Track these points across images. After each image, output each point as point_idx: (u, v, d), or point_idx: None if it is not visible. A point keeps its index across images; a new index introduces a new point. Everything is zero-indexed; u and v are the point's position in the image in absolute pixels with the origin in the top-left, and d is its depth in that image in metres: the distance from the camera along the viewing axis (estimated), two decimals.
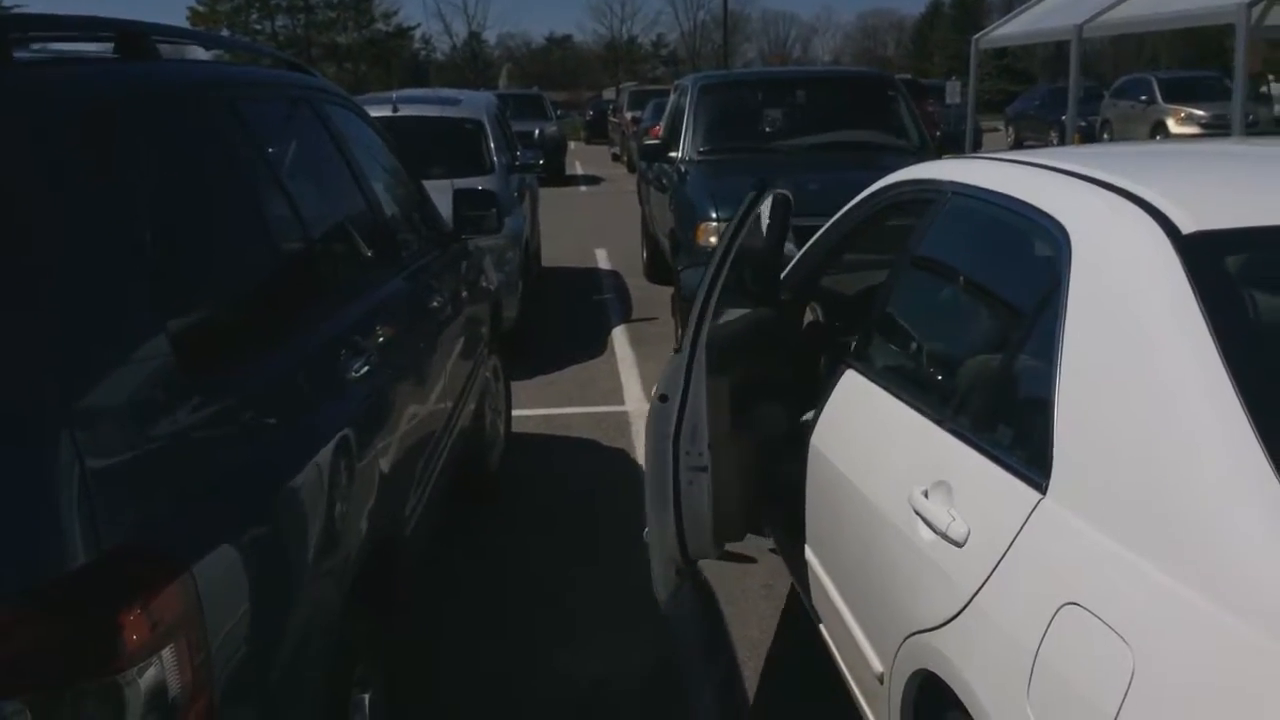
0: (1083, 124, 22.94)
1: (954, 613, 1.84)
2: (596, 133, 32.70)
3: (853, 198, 5.91)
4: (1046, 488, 1.72)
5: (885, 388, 2.41)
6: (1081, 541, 1.60)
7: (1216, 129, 19.25)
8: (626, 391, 6.37)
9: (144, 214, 1.67)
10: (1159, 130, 20.80)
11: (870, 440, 2.44)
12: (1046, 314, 1.92)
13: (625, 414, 5.93)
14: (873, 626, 2.28)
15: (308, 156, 2.73)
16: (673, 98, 8.61)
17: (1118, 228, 1.85)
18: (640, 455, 5.13)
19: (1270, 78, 15.41)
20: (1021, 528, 1.73)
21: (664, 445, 2.76)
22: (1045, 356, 1.86)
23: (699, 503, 2.83)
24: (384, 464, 2.36)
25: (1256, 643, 1.28)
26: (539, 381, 6.46)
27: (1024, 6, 9.69)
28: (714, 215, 6.13)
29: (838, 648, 2.62)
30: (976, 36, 9.99)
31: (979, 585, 1.79)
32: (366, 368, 2.39)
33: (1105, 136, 22.62)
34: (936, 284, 2.60)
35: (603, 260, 10.94)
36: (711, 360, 2.84)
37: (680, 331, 2.83)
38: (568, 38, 71.70)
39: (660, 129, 9.14)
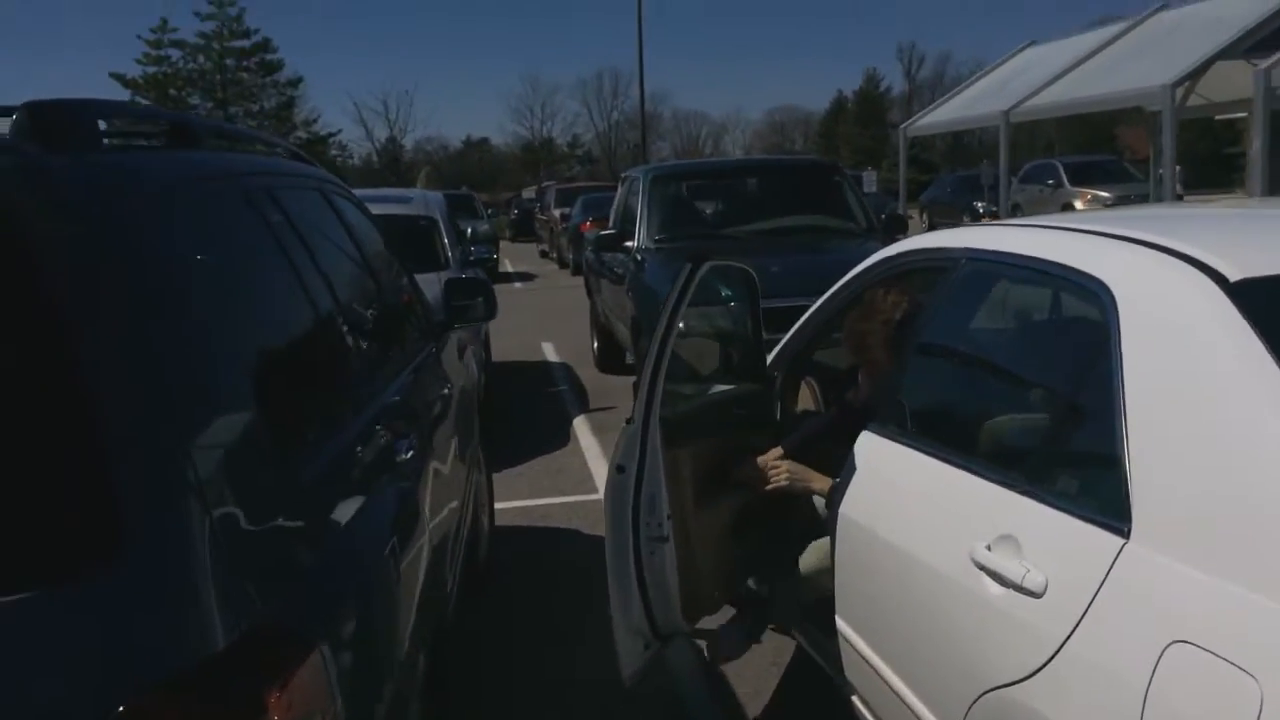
0: (994, 209, 23.93)
1: (1041, 663, 1.86)
2: (522, 231, 33.02)
3: (811, 279, 6.06)
4: (1129, 532, 1.77)
5: (927, 451, 2.45)
6: (1179, 581, 1.64)
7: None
8: (598, 479, 6.34)
9: (236, 295, 1.66)
10: (1068, 211, 21.79)
11: (916, 504, 2.46)
12: (1100, 368, 1.99)
13: (600, 502, 5.89)
14: (934, 690, 2.28)
15: (332, 245, 2.73)
16: (621, 190, 8.77)
17: (1167, 281, 1.94)
18: None
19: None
20: (1108, 573, 1.77)
21: (622, 516, 2.78)
22: (1106, 407, 1.92)
23: (662, 574, 2.82)
24: (433, 550, 2.33)
25: None
26: (508, 474, 6.40)
27: (947, 96, 10.16)
28: None
29: (882, 718, 2.61)
30: (904, 125, 10.43)
31: (1068, 633, 1.82)
32: (411, 452, 2.37)
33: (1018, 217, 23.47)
34: (968, 348, 2.67)
35: (551, 353, 10.96)
36: (680, 431, 2.88)
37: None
38: (485, 140, 72.77)
39: (594, 221, 9.26)
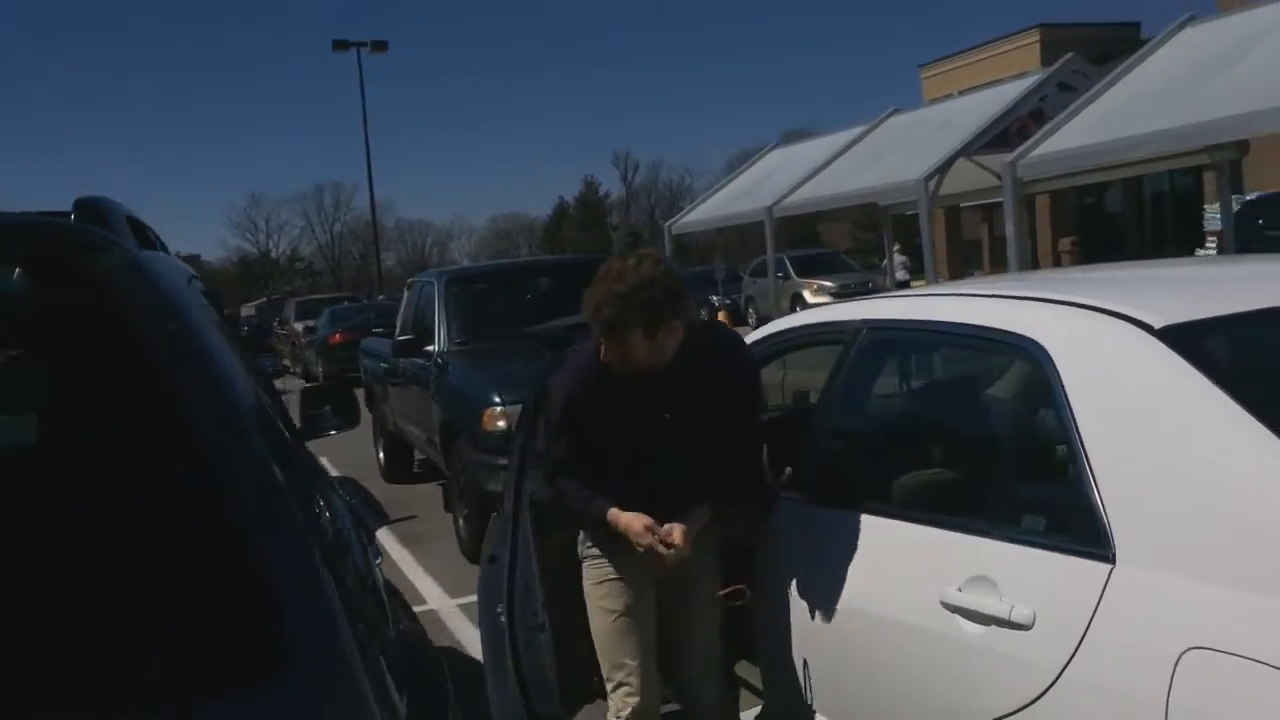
0: (727, 301, 25.38)
1: (1039, 692, 1.99)
2: (256, 346, 31.57)
3: None
4: (1114, 557, 1.95)
5: (872, 513, 2.55)
6: (1180, 592, 1.83)
7: (845, 295, 22.22)
8: (425, 592, 6.12)
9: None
10: (798, 301, 23.34)
11: (874, 567, 2.52)
12: (1047, 415, 2.20)
13: (435, 612, 5.70)
14: None
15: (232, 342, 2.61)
16: (410, 294, 8.66)
17: (1101, 334, 2.18)
18: (469, 647, 4.94)
19: (896, 247, 18.15)
20: (1101, 597, 1.94)
21: (495, 606, 2.77)
22: (1062, 450, 2.13)
23: (540, 663, 2.78)
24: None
25: None
26: None
27: (706, 194, 10.81)
28: (498, 400, 6.19)
29: None
30: (669, 223, 10.98)
31: (1066, 659, 1.96)
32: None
33: (751, 311, 25.16)
34: (893, 411, 2.85)
35: (330, 467, 10.50)
36: (552, 518, 2.90)
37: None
38: (196, 257, 69.50)
39: (343, 333, 9.06)
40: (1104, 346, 2.16)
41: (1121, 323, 2.15)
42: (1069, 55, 8.31)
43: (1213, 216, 22.34)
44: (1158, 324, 2.11)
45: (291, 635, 1.16)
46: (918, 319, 2.67)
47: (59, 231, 1.22)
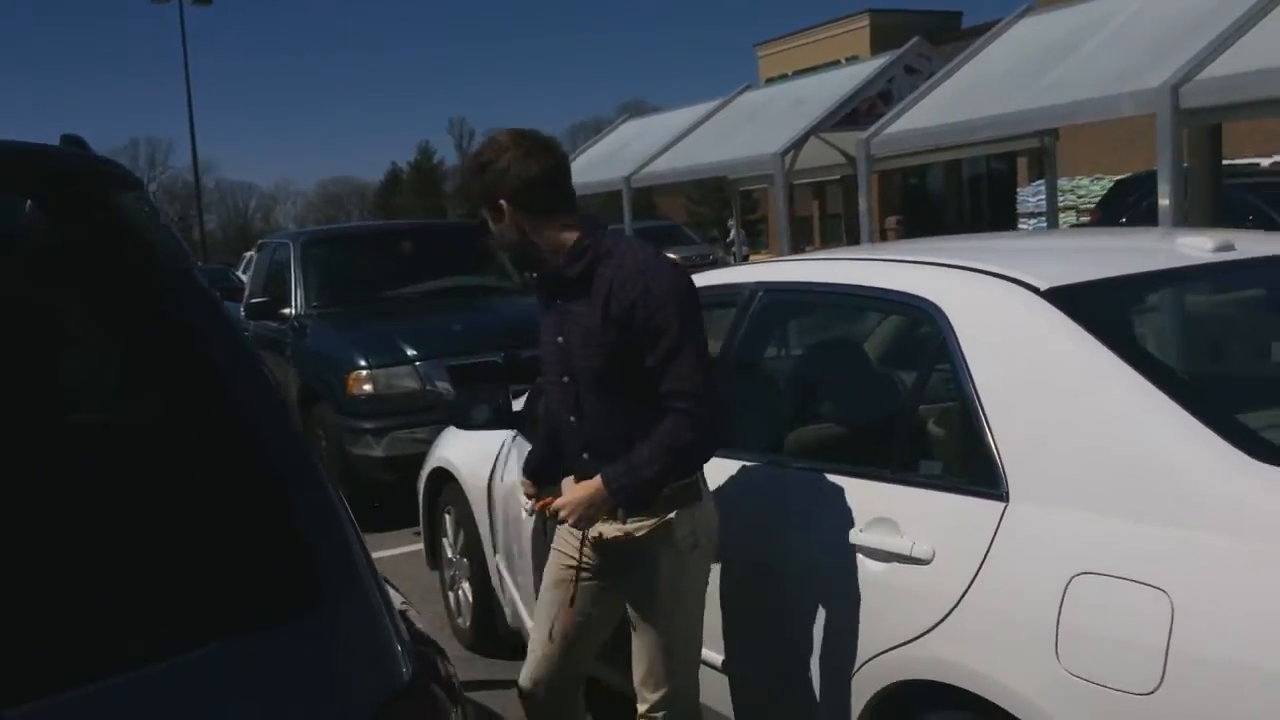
0: None
1: (940, 618, 2.19)
2: None
3: (495, 333, 6.26)
4: (1007, 496, 2.15)
5: (778, 465, 2.71)
6: (1069, 524, 2.04)
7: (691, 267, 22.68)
8: None
9: None
10: None
11: (779, 514, 2.68)
12: (942, 368, 2.39)
13: None
14: (818, 674, 2.49)
15: None
16: (262, 255, 8.40)
17: (992, 295, 2.38)
18: None
19: (731, 224, 18.70)
20: (997, 531, 2.14)
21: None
22: (957, 400, 2.32)
23: None
24: None
25: (1264, 548, 1.78)
26: None
27: None
28: (362, 364, 6.13)
29: None
30: None
31: (964, 588, 2.16)
32: None
33: None
34: (793, 370, 3.00)
35: None
36: None
37: None
38: None
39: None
40: (996, 307, 2.37)
41: (1011, 285, 2.36)
42: (915, 40, 8.74)
43: (1024, 199, 23.80)
44: (1043, 286, 2.33)
45: (326, 572, 1.21)
46: (815, 282, 2.84)
47: (82, 162, 1.20)
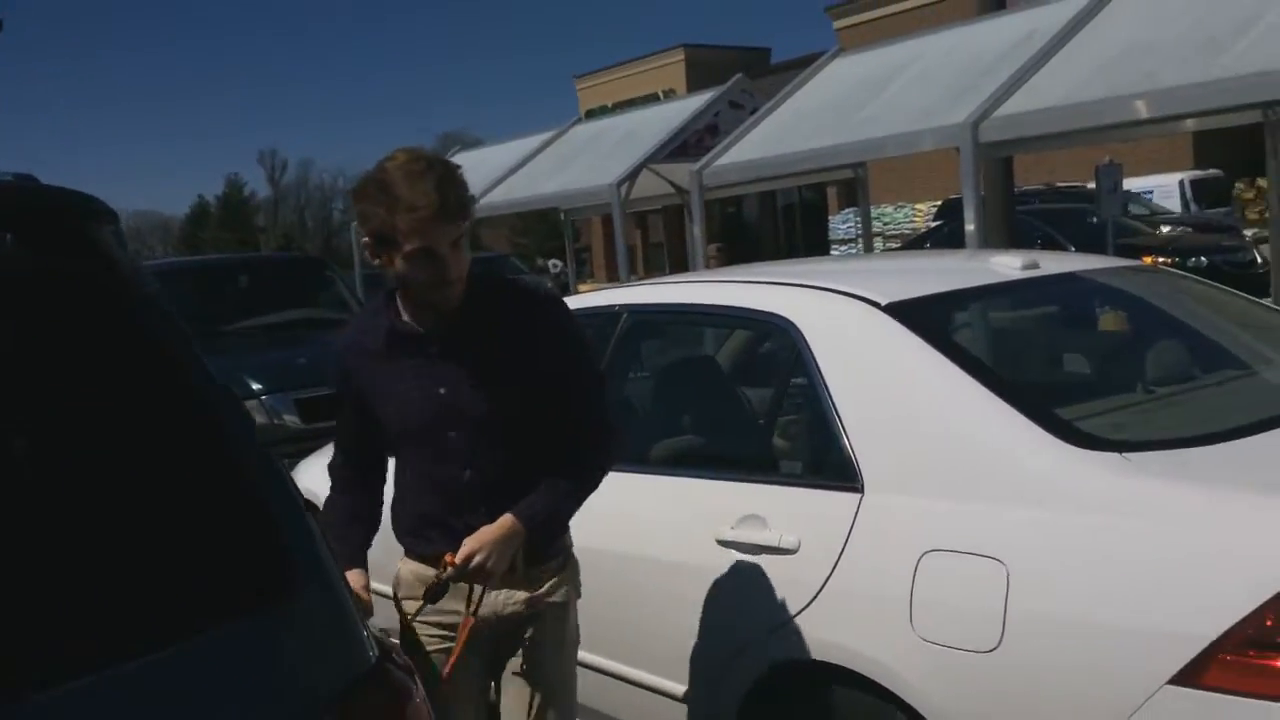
0: None
1: (807, 601, 2.43)
2: None
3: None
4: (862, 487, 2.42)
5: (653, 474, 2.90)
6: (916, 510, 2.33)
7: None
8: None
9: None
10: None
11: (655, 520, 2.85)
12: (799, 378, 2.66)
13: None
14: (693, 665, 2.70)
15: None
16: None
17: (839, 311, 2.67)
18: None
19: (552, 261, 19.04)
20: (854, 520, 2.41)
21: None
22: (814, 405, 2.59)
23: None
24: None
25: (1080, 519, 2.10)
26: None
27: None
28: None
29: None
30: (356, 224, 10.89)
31: (828, 573, 2.41)
32: None
33: None
34: (658, 383, 3.21)
35: None
36: None
37: None
38: None
39: None
40: (843, 320, 2.65)
41: (856, 301, 2.65)
42: (737, 76, 9.24)
43: (835, 226, 25.09)
44: (884, 301, 2.63)
45: (295, 562, 1.34)
46: (679, 303, 3.08)
47: (64, 196, 1.29)
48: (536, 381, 2.23)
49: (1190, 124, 6.89)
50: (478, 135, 50.43)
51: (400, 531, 2.39)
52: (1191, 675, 1.86)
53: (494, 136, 10.49)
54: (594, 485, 2.32)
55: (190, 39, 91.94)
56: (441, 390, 2.22)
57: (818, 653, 2.40)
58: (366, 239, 2.15)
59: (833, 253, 23.92)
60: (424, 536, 2.32)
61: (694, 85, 33.23)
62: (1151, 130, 6.70)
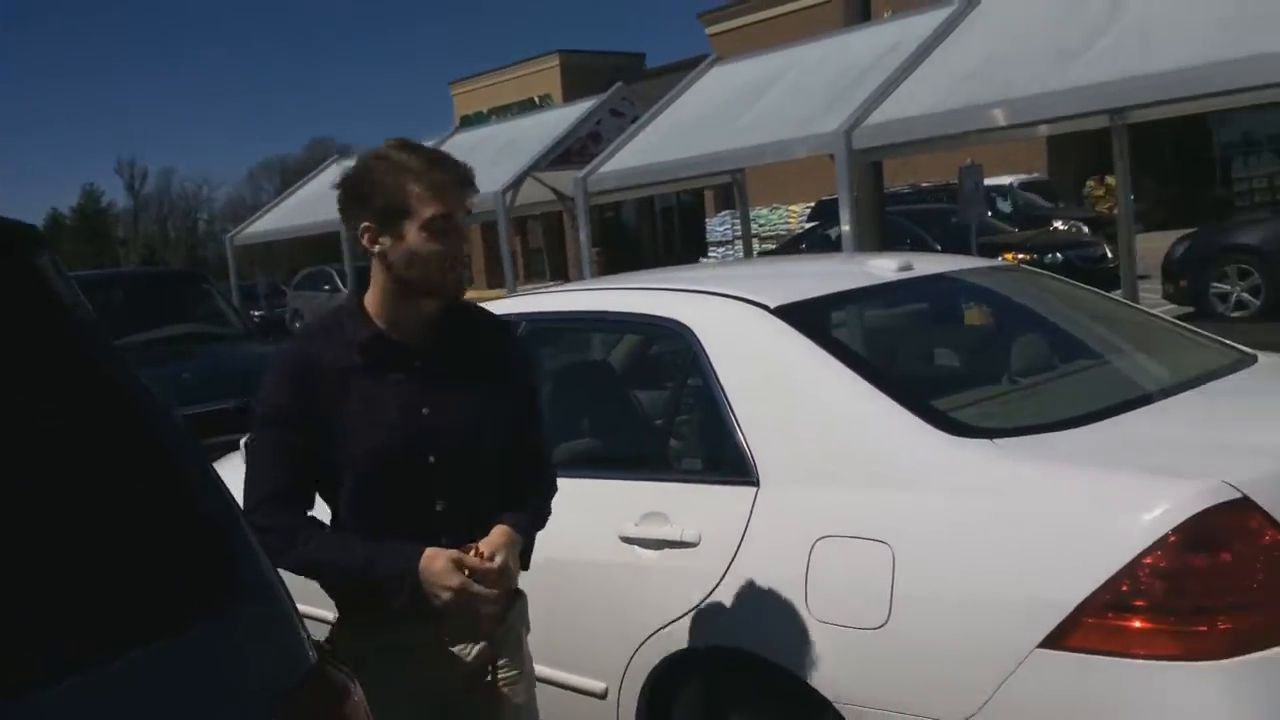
0: (279, 310, 24.86)
1: (709, 590, 2.57)
2: None
3: (230, 381, 6.22)
4: (758, 481, 2.57)
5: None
6: (808, 499, 2.48)
7: None
8: None
9: None
10: None
11: (558, 519, 2.95)
12: (695, 379, 2.79)
13: None
14: (601, 659, 2.81)
15: None
16: None
17: (732, 314, 2.81)
18: None
19: None
20: (752, 512, 2.55)
21: None
22: (710, 405, 2.73)
23: None
24: None
25: (957, 501, 2.28)
26: None
27: (268, 206, 10.67)
28: None
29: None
30: (231, 234, 10.73)
31: (729, 562, 2.55)
32: None
33: (297, 325, 24.82)
34: (559, 392, 3.30)
35: None
36: None
37: None
38: None
39: None
40: (735, 323, 2.80)
41: (747, 305, 2.81)
42: (617, 85, 9.40)
43: (712, 229, 25.55)
44: (773, 304, 2.78)
45: (238, 571, 1.41)
46: (576, 310, 3.18)
47: (5, 228, 1.32)
48: (510, 408, 2.14)
49: (1044, 129, 7.35)
50: (349, 142, 49.61)
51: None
52: (1059, 638, 2.06)
53: (365, 143, 10.45)
54: (547, 516, 2.25)
55: (39, 44, 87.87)
56: (425, 410, 2.04)
57: (720, 639, 2.54)
58: (367, 224, 1.98)
59: (710, 254, 24.37)
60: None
61: (569, 90, 33.51)
62: (1010, 134, 7.14)
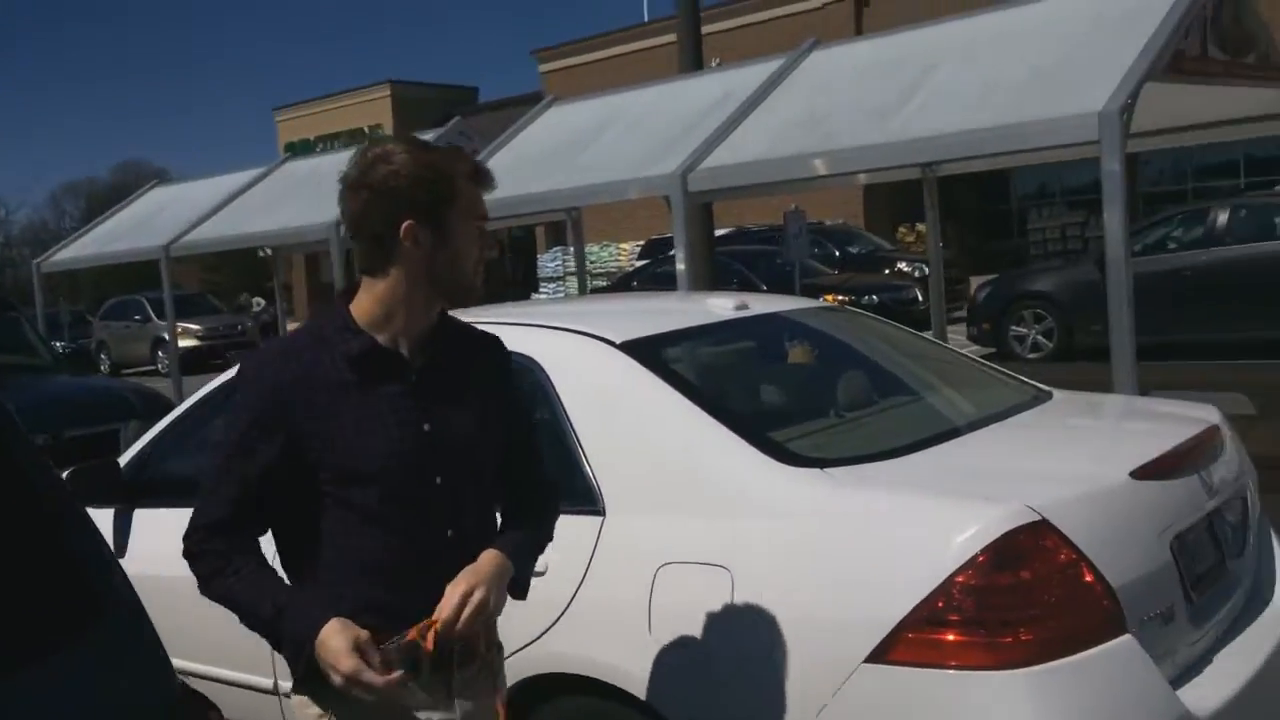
0: (76, 345, 23.43)
1: (556, 617, 2.64)
2: None
3: (38, 413, 5.96)
4: (604, 510, 2.67)
5: None
6: (652, 528, 2.59)
7: (211, 340, 22.10)
8: None
9: None
10: (159, 345, 22.11)
11: None
12: (545, 412, 2.88)
13: None
14: None
15: None
16: None
17: (579, 350, 2.92)
18: None
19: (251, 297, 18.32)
20: (598, 541, 2.65)
21: None
22: (559, 437, 2.81)
23: None
24: None
25: (792, 526, 2.44)
26: None
27: (79, 233, 10.19)
28: None
29: None
30: (38, 261, 10.17)
31: (575, 589, 2.64)
32: None
33: (104, 356, 23.51)
34: None
35: None
36: None
37: None
38: None
39: None
40: (582, 358, 2.90)
41: (593, 340, 2.92)
42: (456, 119, 9.42)
43: (544, 264, 25.70)
44: (618, 340, 2.90)
45: (103, 592, 1.41)
46: None
47: None
48: (509, 428, 2.06)
49: (863, 178, 7.80)
50: (161, 166, 47.50)
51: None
52: (882, 653, 2.22)
53: (182, 169, 10.14)
54: (549, 540, 2.16)
55: None
56: (426, 426, 1.90)
57: (565, 665, 2.62)
58: (410, 221, 1.82)
59: (542, 289, 24.50)
60: (386, 612, 1.84)
61: (401, 122, 33.19)
62: (831, 182, 7.54)
